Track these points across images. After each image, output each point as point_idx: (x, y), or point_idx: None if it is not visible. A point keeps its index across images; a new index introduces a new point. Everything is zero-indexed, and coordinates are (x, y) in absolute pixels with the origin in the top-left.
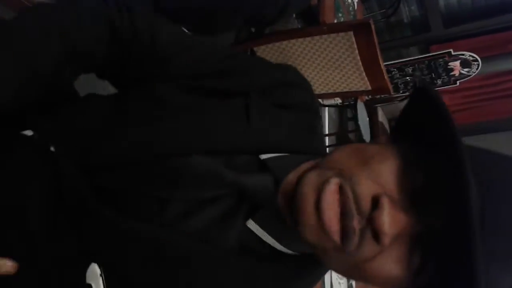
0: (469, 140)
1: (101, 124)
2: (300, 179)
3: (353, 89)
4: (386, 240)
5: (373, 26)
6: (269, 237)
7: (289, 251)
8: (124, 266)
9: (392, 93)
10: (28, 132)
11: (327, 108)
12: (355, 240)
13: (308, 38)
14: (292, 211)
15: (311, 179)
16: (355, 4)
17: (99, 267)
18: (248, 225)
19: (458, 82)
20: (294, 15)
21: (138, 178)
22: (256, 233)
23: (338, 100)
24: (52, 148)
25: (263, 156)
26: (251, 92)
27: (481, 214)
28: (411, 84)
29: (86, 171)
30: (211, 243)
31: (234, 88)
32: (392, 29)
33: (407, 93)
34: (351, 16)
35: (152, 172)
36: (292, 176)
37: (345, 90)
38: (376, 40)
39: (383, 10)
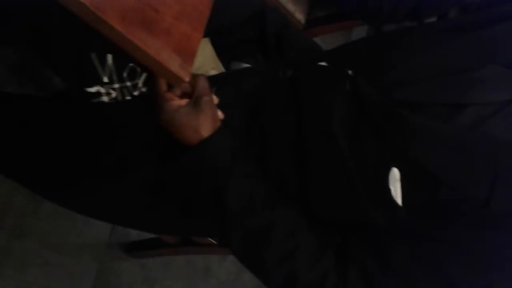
0: None
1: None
2: None
3: None
4: None
5: None
6: None
7: None
8: (426, 167)
9: None
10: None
11: None
12: None
13: None
14: None
15: None
16: None
17: (399, 171)
18: None
19: None
20: None
21: (432, 90)
22: None
23: None
24: (350, 72)
25: None
26: None
27: None
28: None
29: (379, 88)
30: None
31: None
32: None
33: None
34: None
35: (447, 83)
36: None
37: None
38: None
39: None
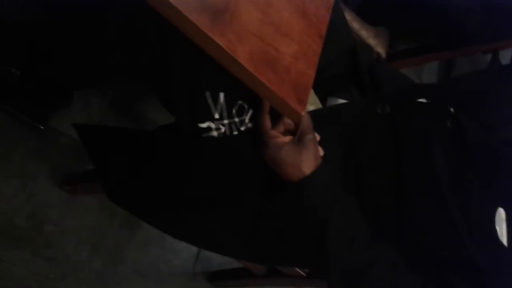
0: None
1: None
2: None
3: None
4: None
5: None
6: None
7: None
8: None
9: None
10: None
11: None
12: None
13: None
14: None
15: None
16: None
17: (505, 211)
18: None
19: None
20: None
21: None
22: None
23: None
24: (451, 109)
25: None
26: None
27: None
28: None
29: (482, 127)
30: None
31: None
32: None
33: None
34: None
35: None
36: None
37: None
38: None
39: None
